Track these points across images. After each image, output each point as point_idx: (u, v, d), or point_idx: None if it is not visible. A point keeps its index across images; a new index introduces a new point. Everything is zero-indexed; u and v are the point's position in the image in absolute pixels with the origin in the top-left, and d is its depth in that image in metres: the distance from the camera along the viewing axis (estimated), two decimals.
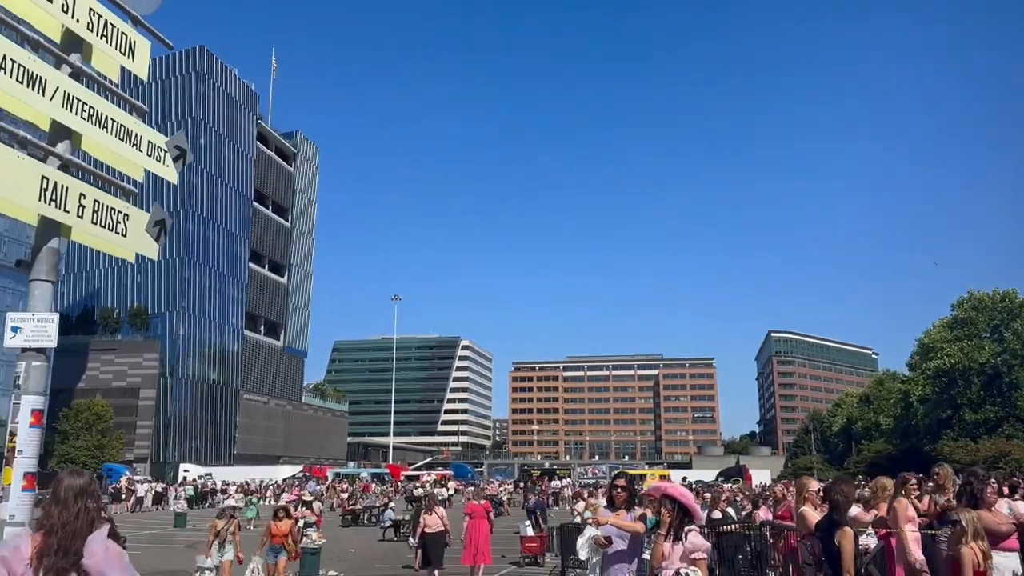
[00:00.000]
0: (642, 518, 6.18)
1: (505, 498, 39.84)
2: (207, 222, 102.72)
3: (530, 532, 19.01)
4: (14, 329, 4.75)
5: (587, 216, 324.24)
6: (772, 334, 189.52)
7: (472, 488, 26.14)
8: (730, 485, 42.32)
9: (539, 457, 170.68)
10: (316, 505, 26.29)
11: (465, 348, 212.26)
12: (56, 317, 4.77)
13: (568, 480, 58.34)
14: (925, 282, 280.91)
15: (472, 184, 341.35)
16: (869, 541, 8.75)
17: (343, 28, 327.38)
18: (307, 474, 69.73)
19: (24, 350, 4.74)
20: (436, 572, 14.29)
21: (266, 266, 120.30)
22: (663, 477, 48.94)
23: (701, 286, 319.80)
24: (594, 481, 62.45)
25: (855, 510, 8.24)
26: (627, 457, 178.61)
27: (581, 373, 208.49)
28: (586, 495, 24.27)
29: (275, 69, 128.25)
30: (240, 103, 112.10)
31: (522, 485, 61.00)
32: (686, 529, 5.40)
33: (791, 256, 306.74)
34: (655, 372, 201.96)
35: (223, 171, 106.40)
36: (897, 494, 8.10)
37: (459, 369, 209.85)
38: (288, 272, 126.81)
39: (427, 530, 14.31)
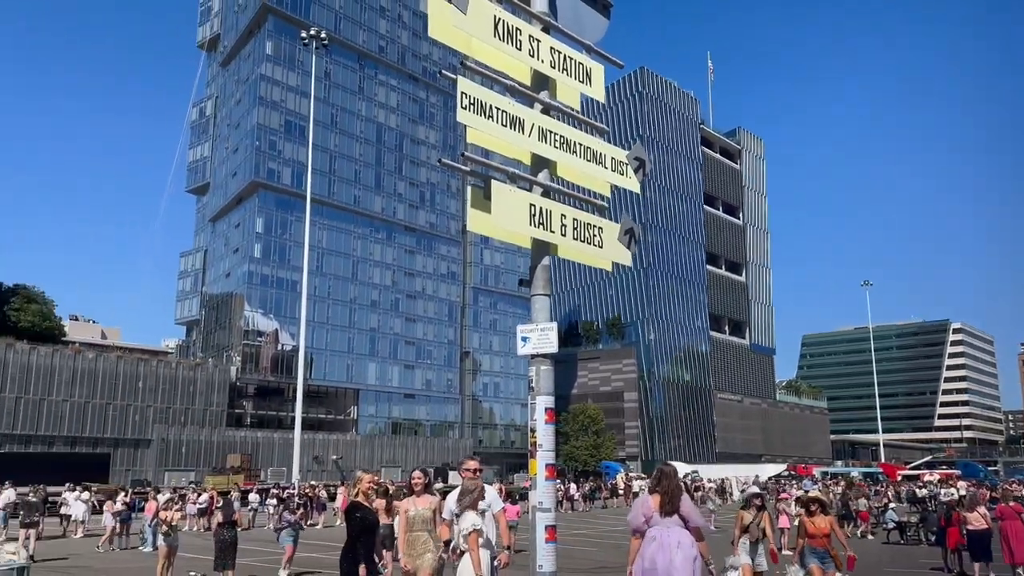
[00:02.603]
0: None
1: None
2: (664, 231, 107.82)
3: None
4: (523, 339, 5.46)
5: None
6: None
7: (993, 491, 22.71)
8: None
9: None
10: (863, 502, 25.24)
11: (957, 332, 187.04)
12: (555, 325, 5.36)
13: None
14: None
15: (936, 155, 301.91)
16: None
17: (772, 11, 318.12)
18: (792, 472, 68.09)
19: (533, 357, 5.42)
20: (977, 566, 14.15)
21: (723, 266, 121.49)
22: None
23: None
24: None
25: None
26: None
27: None
28: None
29: (712, 72, 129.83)
30: (682, 112, 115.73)
31: None
32: None
33: None
34: None
35: (673, 181, 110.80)
36: None
37: (952, 356, 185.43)
38: (745, 270, 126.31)
39: (970, 527, 14.44)
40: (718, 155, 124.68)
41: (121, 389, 63.10)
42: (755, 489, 12.02)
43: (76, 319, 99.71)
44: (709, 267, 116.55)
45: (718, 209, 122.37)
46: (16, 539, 16.73)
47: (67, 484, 30.97)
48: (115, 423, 62.34)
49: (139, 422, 63.60)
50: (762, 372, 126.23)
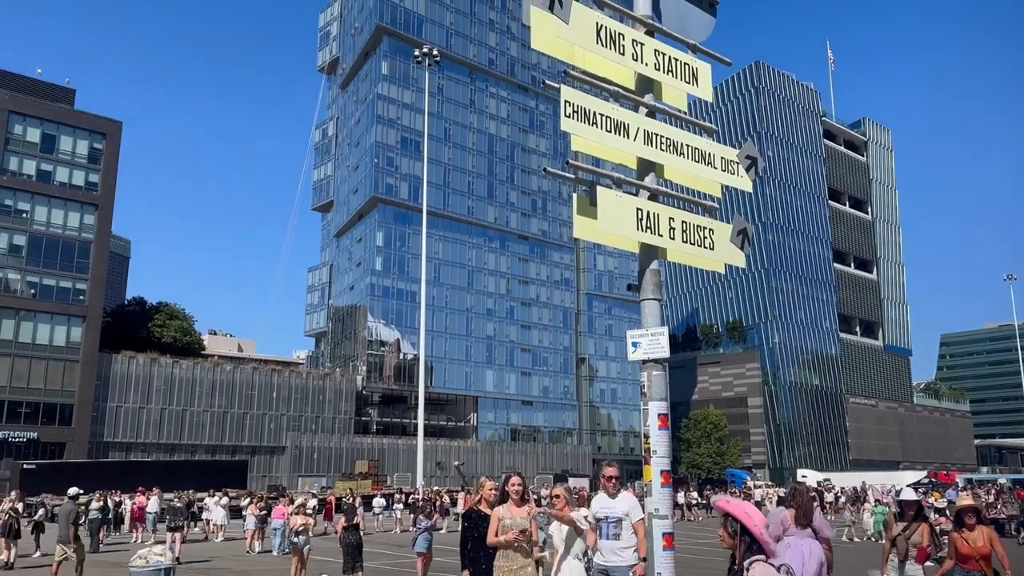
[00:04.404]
0: None
1: None
2: (785, 230, 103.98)
3: None
4: (634, 345, 5.42)
5: None
6: None
7: None
8: None
9: None
10: None
11: None
12: (665, 330, 5.29)
13: None
14: None
15: None
16: None
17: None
18: (932, 480, 64.09)
19: (644, 362, 5.37)
20: None
21: (851, 264, 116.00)
22: None
23: None
24: None
25: None
26: None
27: None
28: None
29: (832, 62, 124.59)
30: (802, 105, 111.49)
31: None
32: (751, 560, 3.43)
33: None
34: None
35: (794, 176, 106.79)
36: None
37: None
38: (876, 267, 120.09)
39: None
40: (842, 148, 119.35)
41: (257, 399, 66.69)
42: (910, 494, 9.39)
43: (214, 333, 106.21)
44: (837, 265, 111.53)
45: (844, 204, 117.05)
46: (163, 542, 17.96)
47: (191, 491, 33.19)
48: (252, 431, 65.92)
49: (274, 430, 66.99)
50: (898, 374, 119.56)
